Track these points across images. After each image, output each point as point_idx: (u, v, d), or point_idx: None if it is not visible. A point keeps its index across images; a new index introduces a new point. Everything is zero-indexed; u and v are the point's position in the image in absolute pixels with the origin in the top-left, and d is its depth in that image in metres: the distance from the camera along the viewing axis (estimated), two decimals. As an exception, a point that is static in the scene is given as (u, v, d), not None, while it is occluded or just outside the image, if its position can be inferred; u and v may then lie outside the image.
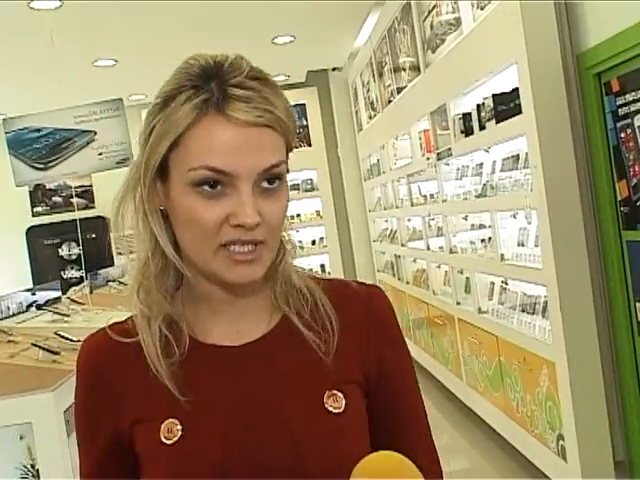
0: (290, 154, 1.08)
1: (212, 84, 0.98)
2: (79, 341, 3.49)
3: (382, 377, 1.13)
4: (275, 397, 1.06)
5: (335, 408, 1.05)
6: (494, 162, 4.44)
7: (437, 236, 5.93)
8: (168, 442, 1.03)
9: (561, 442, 3.79)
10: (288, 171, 1.06)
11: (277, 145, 1.01)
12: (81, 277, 8.04)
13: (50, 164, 5.56)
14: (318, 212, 9.42)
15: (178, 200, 1.02)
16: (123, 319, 1.14)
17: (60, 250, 10.01)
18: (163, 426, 1.04)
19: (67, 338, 3.58)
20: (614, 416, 3.70)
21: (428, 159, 5.64)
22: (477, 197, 4.63)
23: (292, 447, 1.02)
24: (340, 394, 1.07)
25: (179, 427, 1.03)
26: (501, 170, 4.31)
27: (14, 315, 4.33)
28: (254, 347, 1.09)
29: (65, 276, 9.59)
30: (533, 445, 4.18)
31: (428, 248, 6.14)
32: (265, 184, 1.00)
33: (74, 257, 9.89)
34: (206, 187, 0.99)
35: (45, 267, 9.77)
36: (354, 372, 1.11)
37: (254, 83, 0.99)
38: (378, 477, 0.84)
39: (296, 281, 1.13)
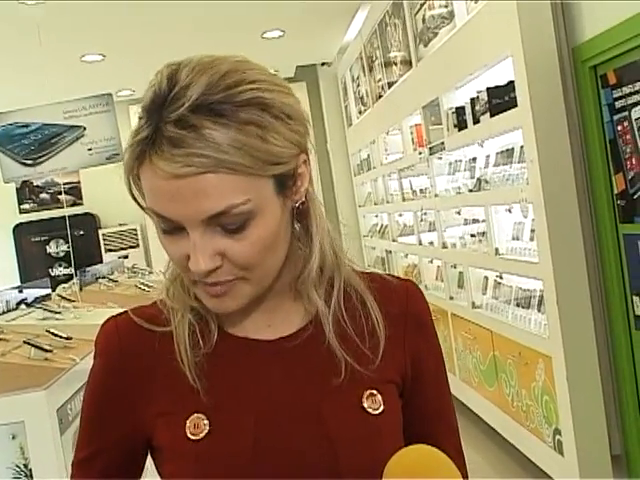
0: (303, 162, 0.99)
1: (153, 118, 0.89)
2: (70, 338, 3.48)
3: (416, 376, 1.11)
4: (310, 395, 1.02)
5: (373, 409, 1.02)
6: (488, 156, 4.42)
7: (429, 231, 5.92)
8: (194, 438, 0.98)
9: (558, 437, 3.78)
10: (295, 179, 0.99)
11: (222, 189, 0.88)
12: (69, 274, 8.00)
13: (39, 160, 5.51)
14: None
15: (155, 228, 0.98)
16: (149, 303, 1.10)
17: (48, 247, 9.95)
18: (189, 421, 0.99)
19: (59, 335, 3.55)
20: (611, 410, 3.70)
21: (420, 154, 5.63)
22: (470, 191, 4.61)
23: (327, 448, 0.98)
24: (379, 394, 1.03)
25: (206, 422, 0.99)
26: (495, 164, 4.29)
27: (3, 313, 4.28)
28: (289, 342, 1.05)
29: (53, 273, 9.52)
30: (529, 440, 4.18)
31: (420, 243, 6.14)
32: (224, 226, 0.92)
33: (62, 254, 9.83)
34: (163, 226, 0.94)
35: (33, 264, 9.72)
36: (391, 372, 1.07)
37: (195, 117, 0.87)
38: (413, 470, 0.83)
39: (347, 283, 1.08)
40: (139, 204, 0.98)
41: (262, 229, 0.94)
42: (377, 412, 1.02)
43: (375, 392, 1.03)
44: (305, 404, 1.01)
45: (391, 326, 1.07)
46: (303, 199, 1.02)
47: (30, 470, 2.67)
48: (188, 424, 0.99)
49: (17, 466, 2.67)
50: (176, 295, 1.06)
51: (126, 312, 1.09)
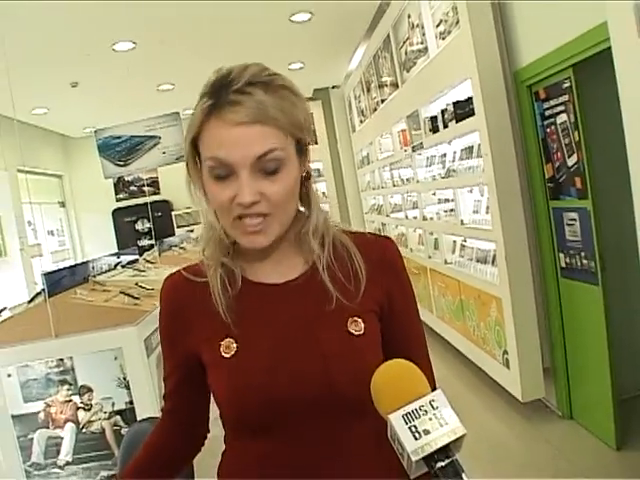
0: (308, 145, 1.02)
1: (219, 92, 0.94)
2: (152, 289, 3.54)
3: (391, 308, 1.08)
4: (309, 323, 1.01)
5: (356, 331, 1.01)
6: (454, 152, 4.41)
7: (412, 208, 5.88)
8: (227, 355, 1.01)
9: (505, 356, 3.81)
10: (306, 151, 1.02)
11: (268, 136, 0.93)
12: (151, 244, 8.07)
13: (128, 161, 5.60)
14: (324, 193, 9.31)
15: (206, 183, 0.99)
16: (195, 263, 1.11)
17: (136, 225, 10.03)
18: (222, 344, 1.02)
19: (144, 287, 3.62)
20: (543, 337, 3.72)
21: (405, 151, 5.60)
22: (443, 178, 4.60)
23: (321, 361, 0.98)
24: (361, 321, 1.02)
25: (234, 345, 1.01)
26: (460, 158, 4.28)
27: (105, 272, 4.37)
28: (293, 284, 1.05)
29: (140, 244, 9.57)
30: (485, 358, 4.21)
31: (406, 217, 6.11)
32: (265, 168, 0.94)
33: (146, 230, 9.90)
34: (217, 172, 0.96)
35: (125, 237, 9.78)
36: (371, 304, 1.05)
37: (251, 88, 0.93)
38: (395, 377, 0.80)
39: (335, 239, 1.08)
40: (188, 172, 1.02)
41: (288, 176, 0.97)
42: (359, 333, 1.01)
43: (358, 319, 1.02)
44: (305, 330, 1.01)
45: (371, 270, 1.06)
46: (307, 171, 1.05)
47: (128, 381, 2.76)
48: (222, 345, 1.01)
49: (119, 378, 2.76)
50: (209, 254, 1.07)
51: (179, 270, 1.11)
